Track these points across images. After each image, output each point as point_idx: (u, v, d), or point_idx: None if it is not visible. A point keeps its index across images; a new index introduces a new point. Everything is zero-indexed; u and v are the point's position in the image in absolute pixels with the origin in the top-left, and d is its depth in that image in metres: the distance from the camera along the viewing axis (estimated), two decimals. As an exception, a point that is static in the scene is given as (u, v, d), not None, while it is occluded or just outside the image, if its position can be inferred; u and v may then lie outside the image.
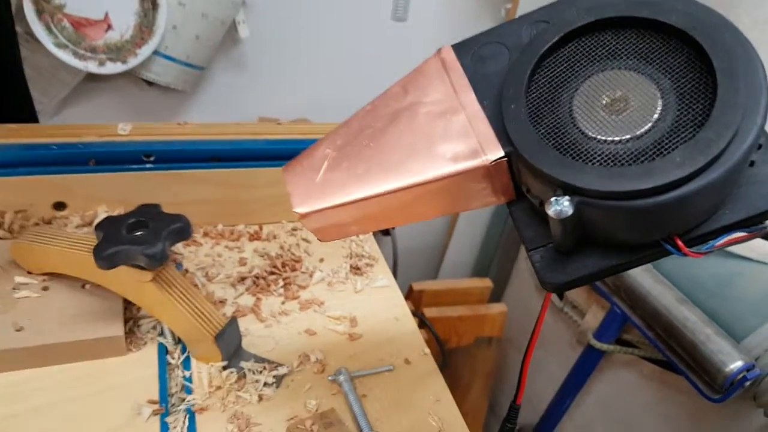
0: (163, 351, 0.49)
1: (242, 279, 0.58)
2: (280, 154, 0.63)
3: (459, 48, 0.31)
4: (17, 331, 0.46)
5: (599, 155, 0.24)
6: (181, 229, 0.45)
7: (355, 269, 0.62)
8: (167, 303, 0.46)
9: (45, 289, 0.49)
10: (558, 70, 0.27)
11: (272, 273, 0.59)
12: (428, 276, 1.49)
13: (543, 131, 0.26)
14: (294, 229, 0.66)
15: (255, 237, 0.64)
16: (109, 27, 0.98)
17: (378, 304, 0.59)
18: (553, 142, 0.26)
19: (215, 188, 0.60)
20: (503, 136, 0.27)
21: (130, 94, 1.08)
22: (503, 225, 1.37)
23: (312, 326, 0.55)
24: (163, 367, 0.48)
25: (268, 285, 0.58)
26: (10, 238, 0.53)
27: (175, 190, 0.58)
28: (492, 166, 0.27)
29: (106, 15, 0.97)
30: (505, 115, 0.27)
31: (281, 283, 0.58)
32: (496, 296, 1.19)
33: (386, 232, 0.88)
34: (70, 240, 0.48)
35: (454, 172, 0.28)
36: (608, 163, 0.24)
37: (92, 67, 0.98)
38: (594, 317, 0.84)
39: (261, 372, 0.49)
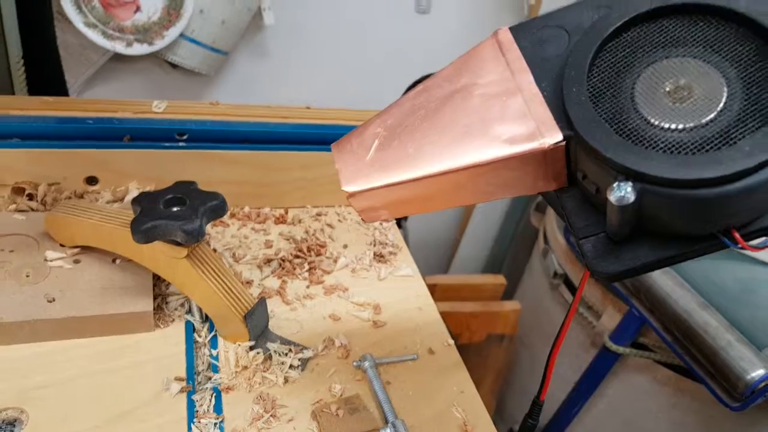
0: (190, 329, 0.49)
1: (268, 261, 0.58)
2: (309, 138, 0.63)
3: (516, 30, 0.30)
4: (49, 302, 0.46)
5: (663, 142, 0.24)
6: (218, 207, 0.45)
7: (379, 257, 0.62)
8: (199, 280, 0.46)
9: (76, 261, 0.50)
10: (620, 55, 0.27)
11: (297, 257, 0.59)
12: (439, 270, 1.49)
13: (604, 116, 0.26)
14: (318, 214, 0.66)
15: (280, 220, 0.64)
16: (138, 8, 0.98)
17: (401, 293, 0.59)
18: (615, 127, 0.25)
19: (244, 169, 0.60)
20: (562, 119, 0.27)
21: (153, 75, 1.09)
22: (517, 221, 1.37)
23: (336, 311, 0.55)
24: (190, 344, 0.48)
25: (294, 268, 0.58)
26: (43, 211, 0.54)
27: (205, 169, 0.58)
28: (549, 150, 0.27)
29: (135, -5, 0.97)
30: (566, 98, 0.26)
31: (306, 267, 0.58)
32: (507, 293, 1.19)
33: (399, 224, 0.88)
34: (104, 214, 0.48)
35: (510, 155, 0.28)
36: (672, 151, 0.24)
37: (120, 47, 0.99)
38: (610, 319, 0.83)
39: (287, 354, 0.49)
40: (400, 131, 0.31)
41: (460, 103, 0.30)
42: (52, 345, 0.46)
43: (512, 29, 0.31)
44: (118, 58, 1.01)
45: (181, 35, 1.00)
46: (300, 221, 0.64)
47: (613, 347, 0.80)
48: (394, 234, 0.66)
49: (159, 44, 0.99)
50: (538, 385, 0.48)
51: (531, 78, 0.29)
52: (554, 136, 0.27)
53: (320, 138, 0.63)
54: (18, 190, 0.54)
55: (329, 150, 0.63)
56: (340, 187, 0.66)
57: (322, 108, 0.66)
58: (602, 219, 0.27)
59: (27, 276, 0.48)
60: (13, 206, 0.54)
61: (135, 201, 0.44)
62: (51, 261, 0.49)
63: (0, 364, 0.43)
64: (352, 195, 0.31)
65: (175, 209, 0.44)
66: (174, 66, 1.06)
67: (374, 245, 0.64)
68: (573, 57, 0.27)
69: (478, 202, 0.30)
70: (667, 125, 0.25)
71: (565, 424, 0.95)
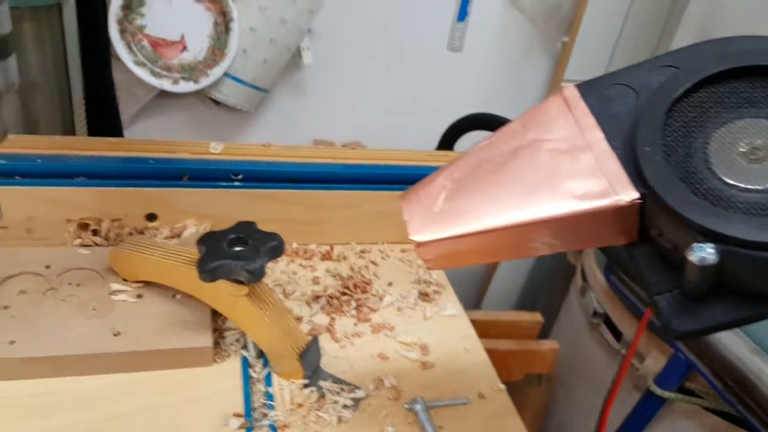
0: (245, 364, 0.50)
1: (317, 298, 0.59)
2: (355, 177, 0.64)
3: (583, 88, 0.31)
4: (114, 335, 0.48)
5: (741, 203, 0.25)
6: (277, 247, 0.46)
7: (424, 295, 0.63)
8: (258, 318, 0.47)
9: (139, 296, 0.51)
10: (691, 115, 0.28)
11: (344, 294, 0.60)
12: (470, 306, 1.49)
13: (679, 176, 0.27)
14: (363, 251, 0.67)
15: (326, 257, 0.65)
16: (185, 48, 1.03)
17: (447, 333, 0.59)
18: (691, 187, 0.26)
19: (293, 208, 0.62)
20: (636, 177, 0.28)
21: (197, 111, 1.13)
22: (552, 256, 1.36)
23: (384, 350, 0.55)
24: (246, 380, 0.49)
25: (341, 305, 0.59)
26: (106, 246, 0.56)
27: (257, 207, 0.60)
28: (623, 207, 0.28)
29: (182, 37, 1.02)
30: (640, 157, 0.27)
31: (353, 304, 0.59)
32: (542, 331, 1.18)
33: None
34: (167, 251, 0.50)
35: (582, 211, 0.28)
36: (753, 212, 0.24)
37: (167, 85, 1.03)
38: (655, 362, 0.81)
39: (339, 393, 0.49)
40: (468, 183, 0.32)
41: (529, 158, 0.31)
42: (115, 378, 0.47)
43: (578, 87, 0.32)
44: (163, 94, 1.05)
45: (225, 73, 1.04)
46: (345, 258, 0.66)
47: (658, 391, 0.78)
48: (437, 272, 0.67)
49: (204, 82, 1.03)
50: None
51: (601, 135, 0.29)
52: (630, 194, 0.28)
53: (365, 177, 0.65)
54: (83, 226, 0.57)
55: (374, 189, 0.64)
56: (383, 225, 0.67)
57: (367, 149, 0.68)
58: (676, 275, 0.27)
59: (93, 309, 0.50)
60: (78, 241, 0.56)
61: (200, 241, 0.46)
62: (115, 295, 0.51)
63: (67, 395, 0.45)
64: (420, 245, 0.32)
65: (237, 249, 0.45)
66: (216, 103, 1.10)
67: (418, 283, 0.65)
68: (644, 116, 0.28)
69: (543, 254, 0.31)
70: (744, 185, 0.25)
71: (606, 469, 0.93)
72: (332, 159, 0.64)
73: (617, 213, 0.28)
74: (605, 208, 0.28)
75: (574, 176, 0.29)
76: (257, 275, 0.44)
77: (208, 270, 0.43)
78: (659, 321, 0.28)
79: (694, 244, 0.24)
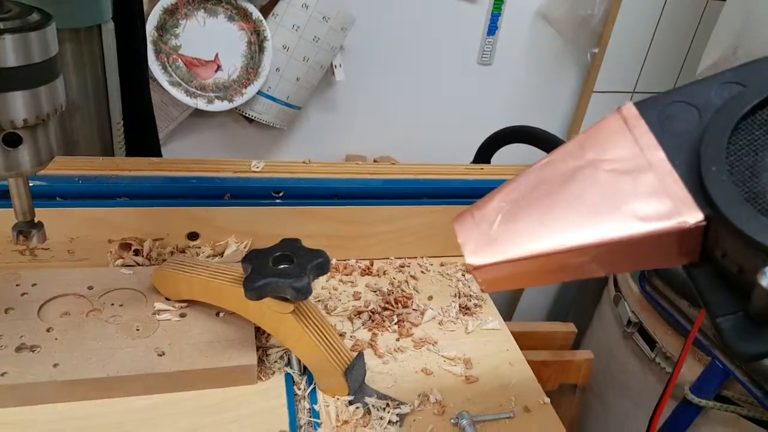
0: (290, 381, 0.50)
1: (359, 313, 0.59)
2: (394, 193, 0.64)
3: (641, 106, 0.30)
4: (159, 356, 0.48)
5: None
6: (322, 264, 0.46)
7: (465, 309, 0.62)
8: (303, 335, 0.47)
9: (182, 315, 0.52)
10: (758, 133, 0.27)
11: (386, 309, 0.60)
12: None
13: (746, 196, 0.26)
14: (402, 266, 0.67)
15: (366, 272, 0.65)
16: (219, 67, 1.05)
17: (490, 347, 0.58)
18: (758, 207, 0.25)
19: (333, 224, 0.62)
20: (700, 197, 0.27)
21: (230, 129, 1.14)
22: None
23: (428, 365, 0.55)
24: (291, 397, 0.49)
25: (383, 321, 0.58)
26: (148, 265, 0.57)
27: (298, 224, 0.60)
28: (688, 229, 0.27)
29: (216, 56, 1.03)
30: (705, 177, 0.26)
31: (395, 319, 0.59)
32: (575, 341, 1.16)
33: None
34: (211, 270, 0.50)
35: (645, 233, 0.27)
36: None
37: (201, 104, 1.05)
38: (690, 370, 0.80)
39: (384, 409, 0.49)
40: (524, 205, 0.31)
41: (588, 179, 0.30)
42: (160, 398, 0.48)
43: (637, 105, 0.31)
44: (197, 113, 1.07)
45: (259, 92, 1.05)
46: (385, 273, 0.65)
47: (695, 400, 0.76)
48: (477, 286, 0.66)
49: (238, 101, 1.04)
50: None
51: (663, 155, 0.28)
52: (695, 215, 0.27)
53: (404, 192, 0.65)
54: (125, 246, 0.57)
55: (413, 204, 0.64)
56: (422, 239, 0.67)
57: (405, 164, 0.68)
58: (740, 297, 0.26)
59: (137, 330, 0.50)
60: (120, 261, 0.57)
61: (246, 259, 0.46)
62: (159, 315, 0.51)
63: (111, 417, 0.45)
64: (476, 268, 0.31)
65: (283, 266, 0.46)
66: (250, 120, 1.11)
67: (459, 297, 0.64)
68: (709, 135, 0.27)
69: (601, 275, 0.30)
70: None
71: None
72: (371, 175, 0.64)
73: (681, 235, 0.27)
74: (669, 230, 0.27)
75: (636, 197, 0.28)
76: (304, 293, 0.44)
77: (254, 288, 0.43)
78: (723, 342, 0.27)
79: (765, 268, 0.23)
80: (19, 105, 0.35)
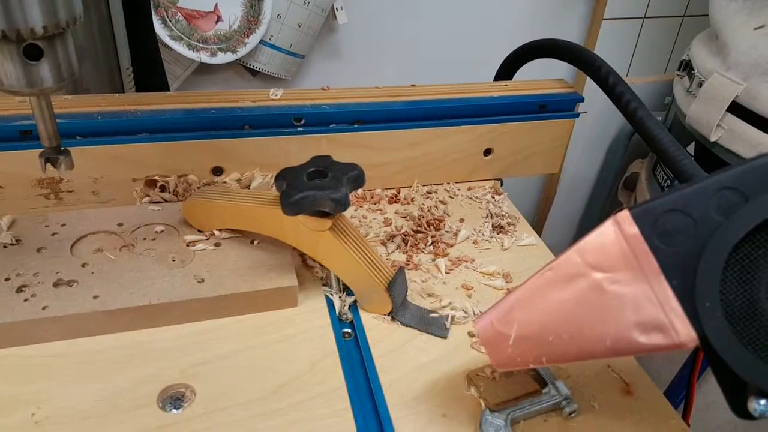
0: (330, 302, 0.50)
1: (391, 237, 0.58)
2: (417, 115, 0.62)
3: (638, 218, 0.30)
4: (199, 282, 0.47)
5: None
6: (358, 176, 0.45)
7: (498, 228, 0.61)
8: (342, 252, 0.46)
9: (217, 245, 0.51)
10: (755, 255, 0.28)
11: (418, 231, 0.59)
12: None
13: (742, 339, 0.28)
14: (429, 192, 0.66)
15: (394, 200, 0.64)
16: (219, 18, 1.02)
17: (528, 262, 0.57)
18: (750, 347, 0.28)
19: (356, 150, 0.61)
20: (697, 321, 0.29)
21: (234, 84, 1.12)
22: (604, 200, 1.33)
23: (467, 281, 0.54)
24: (334, 317, 0.49)
25: (417, 243, 0.57)
26: (176, 201, 0.56)
27: (321, 152, 0.58)
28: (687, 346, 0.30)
29: (216, 6, 1.00)
30: (701, 313, 0.28)
31: (429, 240, 0.58)
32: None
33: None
34: (243, 195, 0.49)
35: (645, 348, 0.31)
36: None
37: (205, 57, 1.02)
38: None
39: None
40: (534, 321, 0.34)
41: (592, 298, 0.32)
42: (202, 325, 0.47)
43: (634, 216, 0.30)
44: (199, 70, 1.04)
45: (261, 41, 1.02)
46: (413, 200, 0.64)
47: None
48: (509, 205, 0.65)
49: (241, 51, 1.02)
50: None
51: (663, 278, 0.30)
52: (690, 340, 0.29)
53: (427, 114, 0.63)
54: (150, 183, 0.56)
55: (436, 125, 0.62)
56: (448, 163, 0.65)
57: (426, 86, 0.66)
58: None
59: (173, 260, 0.49)
60: (147, 198, 0.56)
61: (279, 177, 0.45)
62: (193, 245, 0.50)
63: (159, 344, 0.45)
64: (500, 366, 0.36)
65: (317, 181, 0.44)
66: (254, 73, 1.08)
67: (491, 217, 0.63)
68: (703, 265, 0.28)
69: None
70: None
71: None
72: (392, 97, 0.62)
73: (679, 347, 0.30)
74: (668, 348, 0.30)
75: (637, 318, 0.31)
76: (343, 204, 0.43)
77: (292, 203, 0.42)
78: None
79: (755, 402, 0.27)
80: (36, 10, 0.33)
